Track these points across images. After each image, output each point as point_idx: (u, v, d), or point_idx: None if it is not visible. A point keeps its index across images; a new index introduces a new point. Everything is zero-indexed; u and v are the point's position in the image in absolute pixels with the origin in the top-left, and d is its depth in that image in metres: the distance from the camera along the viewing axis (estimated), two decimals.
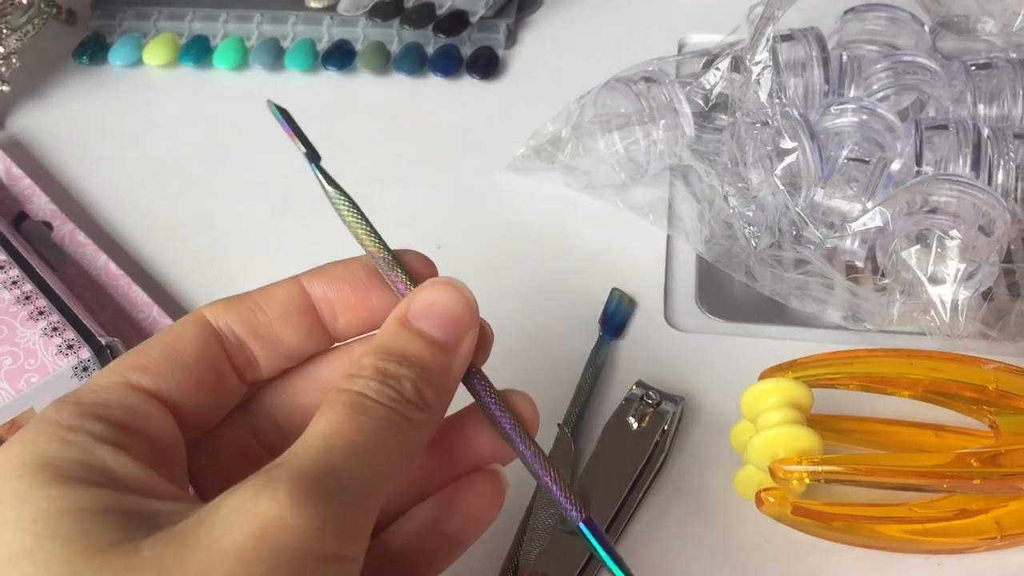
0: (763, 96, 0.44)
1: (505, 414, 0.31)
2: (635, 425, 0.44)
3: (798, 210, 0.43)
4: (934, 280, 0.42)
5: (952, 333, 0.42)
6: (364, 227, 0.31)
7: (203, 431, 0.30)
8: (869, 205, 0.47)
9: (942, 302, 0.42)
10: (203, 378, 0.29)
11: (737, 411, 0.43)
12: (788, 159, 0.44)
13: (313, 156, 0.31)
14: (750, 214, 0.46)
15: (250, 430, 0.32)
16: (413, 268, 0.31)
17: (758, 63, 0.45)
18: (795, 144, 0.44)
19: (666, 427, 0.44)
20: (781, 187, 0.43)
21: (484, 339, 0.31)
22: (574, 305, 0.51)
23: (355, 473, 0.25)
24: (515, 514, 0.43)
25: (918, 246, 0.42)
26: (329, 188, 0.31)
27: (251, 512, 0.23)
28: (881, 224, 0.42)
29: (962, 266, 0.41)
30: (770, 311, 0.51)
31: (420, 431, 0.28)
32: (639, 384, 0.45)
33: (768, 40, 0.45)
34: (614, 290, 0.50)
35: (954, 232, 0.42)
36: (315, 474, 0.25)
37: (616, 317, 0.50)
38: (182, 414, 0.29)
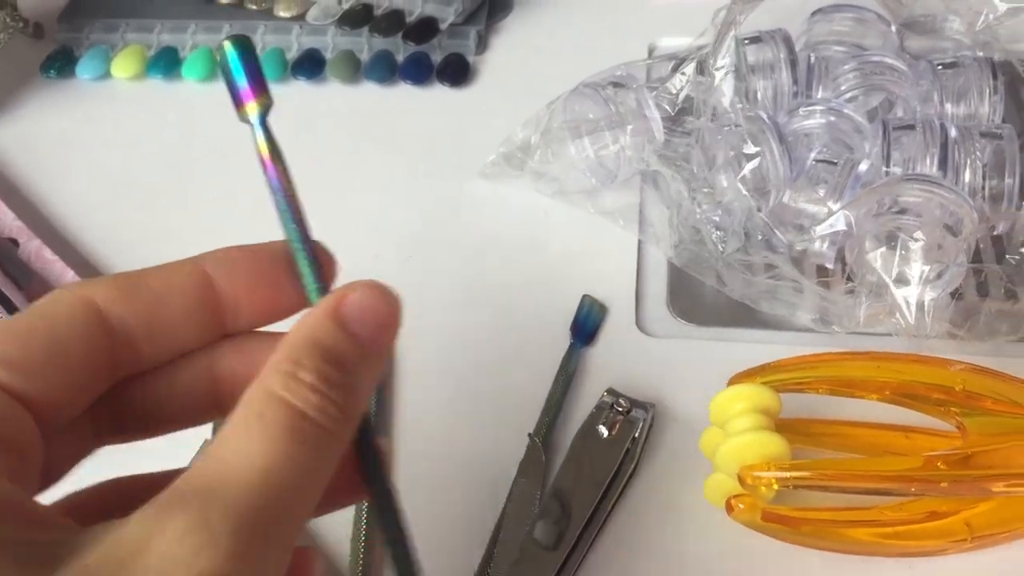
0: (727, 100, 0.44)
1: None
2: (605, 433, 0.44)
3: (763, 216, 0.43)
4: (899, 281, 0.42)
5: (918, 334, 0.42)
6: (293, 210, 0.29)
7: (54, 430, 0.26)
8: (837, 207, 0.47)
9: (907, 303, 0.42)
10: (77, 376, 0.26)
11: (706, 417, 0.43)
12: (751, 164, 0.44)
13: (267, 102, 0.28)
14: (717, 219, 0.46)
15: (106, 415, 0.28)
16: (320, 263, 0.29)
17: (720, 67, 0.45)
18: (758, 148, 0.44)
19: (636, 435, 0.44)
20: (745, 192, 0.43)
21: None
22: (545, 312, 0.51)
23: (291, 514, 0.23)
24: (485, 528, 0.43)
25: (883, 248, 0.42)
26: (266, 146, 0.28)
27: (188, 566, 0.21)
28: (846, 227, 0.42)
29: (927, 267, 0.41)
30: (741, 315, 0.51)
31: (342, 439, 0.25)
32: (609, 392, 0.45)
33: (730, 44, 0.45)
34: (585, 297, 0.50)
35: (918, 234, 0.42)
36: (254, 520, 0.22)
37: (587, 324, 0.50)
38: (42, 414, 0.25)
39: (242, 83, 0.27)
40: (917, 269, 0.42)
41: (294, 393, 0.24)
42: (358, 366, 0.26)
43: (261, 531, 0.22)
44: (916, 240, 0.41)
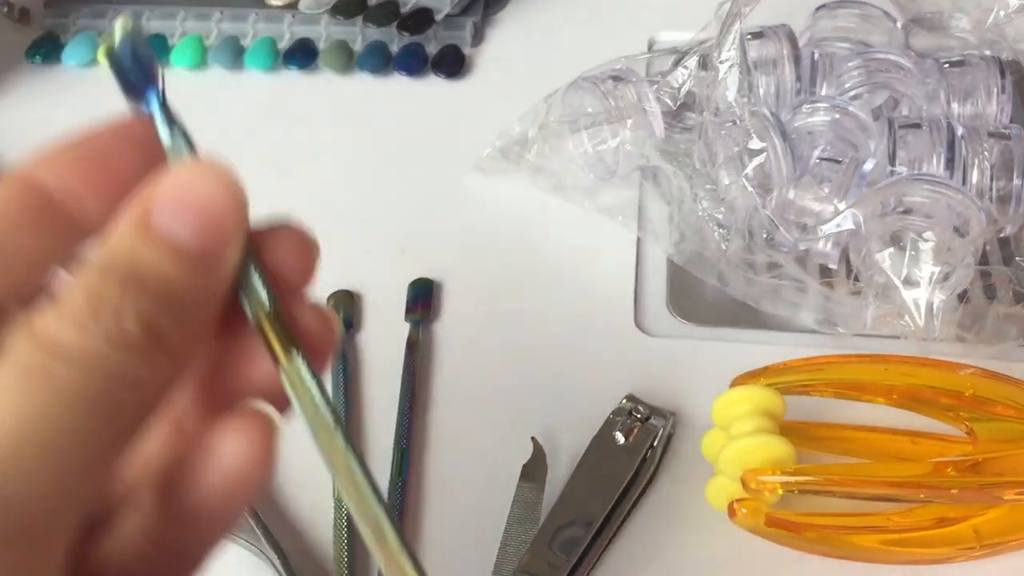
0: (731, 95, 0.43)
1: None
2: (622, 440, 0.42)
3: (768, 213, 0.42)
4: (908, 283, 0.41)
5: (927, 337, 0.41)
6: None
7: None
8: (842, 206, 0.46)
9: (916, 305, 0.41)
10: None
11: (708, 418, 0.42)
12: (757, 159, 0.43)
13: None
14: (720, 216, 0.45)
15: None
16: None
17: (725, 61, 0.44)
18: (764, 144, 0.43)
19: (654, 443, 0.42)
20: (750, 188, 0.42)
21: (303, 245, 0.23)
22: (540, 310, 0.50)
23: (25, 495, 0.18)
24: (496, 530, 0.41)
25: (891, 249, 0.41)
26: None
27: None
28: (853, 227, 0.41)
29: (937, 268, 0.40)
30: (742, 315, 0.50)
31: (147, 389, 0.19)
32: (629, 398, 0.44)
33: (735, 37, 0.43)
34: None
35: (928, 234, 0.41)
36: None
37: None
38: None
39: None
40: (927, 270, 0.40)
41: (44, 321, 0.19)
42: (169, 277, 0.20)
43: None
44: (926, 240, 0.40)
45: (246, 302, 0.22)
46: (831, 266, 0.48)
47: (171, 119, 0.23)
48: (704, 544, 0.41)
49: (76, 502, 0.19)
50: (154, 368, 0.19)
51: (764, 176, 0.47)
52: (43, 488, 0.18)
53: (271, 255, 0.22)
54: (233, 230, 0.21)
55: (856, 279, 0.46)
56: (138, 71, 0.23)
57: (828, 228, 0.42)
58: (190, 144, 0.23)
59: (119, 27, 0.23)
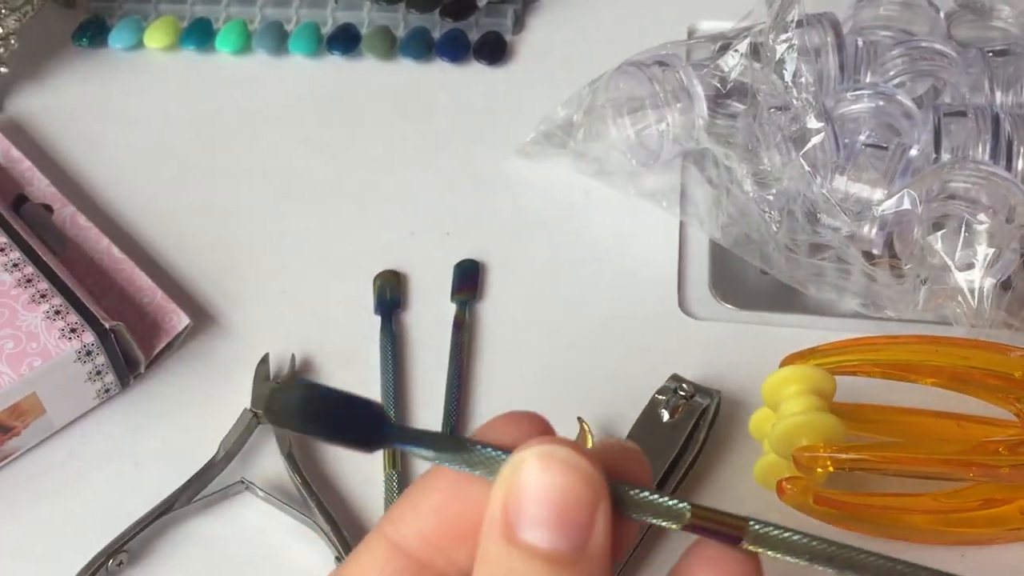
0: (788, 76, 0.44)
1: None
2: (667, 417, 0.43)
3: (824, 191, 0.42)
4: (961, 266, 0.41)
5: (978, 322, 0.41)
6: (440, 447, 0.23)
7: None
8: (887, 192, 0.46)
9: (969, 288, 0.41)
10: None
11: (754, 399, 0.42)
12: (815, 139, 0.43)
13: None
14: (770, 198, 0.45)
15: None
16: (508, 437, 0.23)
17: (784, 41, 0.44)
18: (822, 124, 0.43)
19: (700, 420, 0.43)
20: (807, 168, 0.42)
21: (638, 459, 0.24)
22: (584, 292, 0.50)
23: None
24: None
25: (945, 230, 0.41)
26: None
27: None
28: (909, 206, 0.41)
29: (990, 251, 0.41)
30: (785, 299, 0.50)
31: None
32: (673, 377, 0.44)
33: (794, 19, 0.44)
34: None
35: (982, 216, 0.41)
36: None
37: None
38: None
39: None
40: (981, 253, 0.41)
41: None
42: None
43: None
44: (981, 223, 0.41)
45: (664, 523, 0.23)
46: (875, 251, 0.48)
47: (432, 435, 0.22)
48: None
49: None
50: None
51: (812, 161, 0.47)
52: None
53: (623, 475, 0.23)
54: (594, 509, 0.21)
55: (897, 266, 0.47)
56: (355, 427, 0.22)
57: (885, 207, 0.42)
58: (483, 451, 0.22)
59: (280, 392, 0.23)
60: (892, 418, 0.43)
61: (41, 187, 0.53)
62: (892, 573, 0.23)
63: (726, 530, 0.23)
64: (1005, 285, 0.46)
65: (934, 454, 0.37)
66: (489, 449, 0.22)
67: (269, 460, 0.44)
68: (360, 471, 0.44)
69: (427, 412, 0.46)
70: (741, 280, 0.51)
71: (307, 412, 0.22)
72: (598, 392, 0.46)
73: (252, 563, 0.41)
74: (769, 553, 0.23)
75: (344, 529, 0.40)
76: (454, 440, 0.23)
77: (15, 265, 0.46)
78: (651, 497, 0.23)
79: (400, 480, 0.43)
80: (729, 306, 0.50)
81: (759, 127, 0.45)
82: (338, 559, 0.40)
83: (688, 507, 0.23)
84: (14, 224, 0.48)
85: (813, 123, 0.43)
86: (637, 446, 0.24)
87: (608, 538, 0.22)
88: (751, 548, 0.23)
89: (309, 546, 0.41)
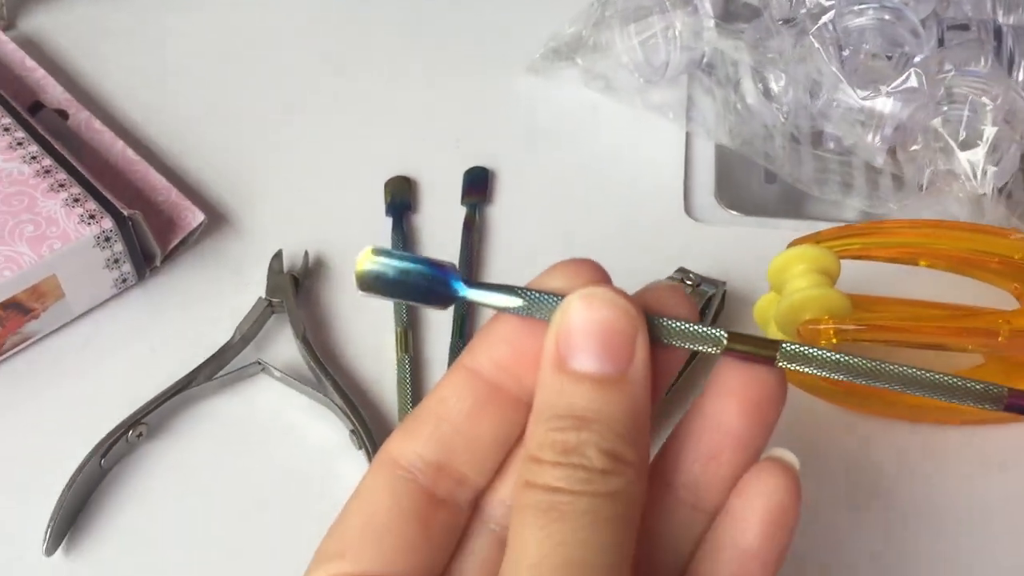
0: None
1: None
2: None
3: (834, 69, 0.43)
4: (964, 146, 0.42)
5: (982, 191, 0.42)
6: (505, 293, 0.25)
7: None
8: (891, 100, 0.47)
9: (972, 165, 0.42)
10: (407, 533, 0.25)
11: (758, 293, 0.43)
12: (825, 16, 0.44)
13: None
14: (777, 89, 0.46)
15: (495, 541, 0.27)
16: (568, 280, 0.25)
17: None
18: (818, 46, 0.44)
19: (707, 309, 0.43)
20: (817, 45, 0.43)
21: (674, 292, 0.26)
22: (592, 199, 0.51)
23: None
24: None
25: (947, 108, 0.42)
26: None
27: None
28: (916, 85, 0.42)
29: (994, 129, 0.42)
30: (788, 207, 0.51)
31: (630, 500, 0.23)
32: (680, 269, 0.45)
33: None
34: None
35: (986, 99, 0.42)
36: None
37: None
38: None
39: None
40: (986, 133, 0.42)
41: (535, 474, 0.23)
42: (601, 408, 0.23)
43: None
44: (985, 104, 0.42)
45: (703, 348, 0.25)
46: (878, 162, 0.49)
47: (500, 287, 0.25)
48: None
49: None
50: (625, 479, 0.23)
51: (816, 73, 0.48)
52: None
53: (661, 311, 0.25)
54: (632, 339, 0.24)
55: (901, 174, 0.48)
56: (427, 283, 0.25)
57: (895, 85, 0.43)
58: (539, 296, 0.25)
59: (364, 264, 0.25)
60: (896, 309, 0.44)
61: (56, 94, 0.54)
62: (915, 380, 0.25)
63: (761, 351, 0.25)
64: (1002, 191, 0.47)
65: (938, 323, 0.38)
66: (545, 295, 0.25)
67: (284, 346, 0.45)
68: (372, 353, 0.45)
69: None
70: (745, 189, 0.52)
71: (392, 280, 0.25)
72: None
73: (268, 439, 0.42)
74: (802, 369, 0.25)
75: (358, 404, 0.41)
76: (516, 290, 0.25)
77: (33, 157, 0.46)
78: (689, 326, 0.25)
79: (412, 364, 0.44)
80: (734, 212, 0.51)
81: (770, 17, 0.46)
82: (353, 432, 0.41)
83: (724, 333, 0.25)
84: (31, 121, 0.49)
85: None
86: (680, 287, 0.26)
87: (647, 364, 0.24)
88: (785, 365, 0.25)
89: (323, 422, 0.42)
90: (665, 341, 0.25)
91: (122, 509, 0.40)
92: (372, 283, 0.25)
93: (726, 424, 0.26)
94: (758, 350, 0.25)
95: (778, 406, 0.26)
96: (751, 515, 0.25)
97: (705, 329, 0.25)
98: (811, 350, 0.25)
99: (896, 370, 0.25)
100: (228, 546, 0.40)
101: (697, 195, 0.52)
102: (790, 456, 0.26)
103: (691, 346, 0.25)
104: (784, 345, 0.25)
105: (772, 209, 0.51)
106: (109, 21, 0.60)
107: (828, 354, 0.25)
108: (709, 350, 0.25)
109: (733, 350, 0.25)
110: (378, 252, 0.25)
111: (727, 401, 0.26)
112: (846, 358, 0.25)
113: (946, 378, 0.25)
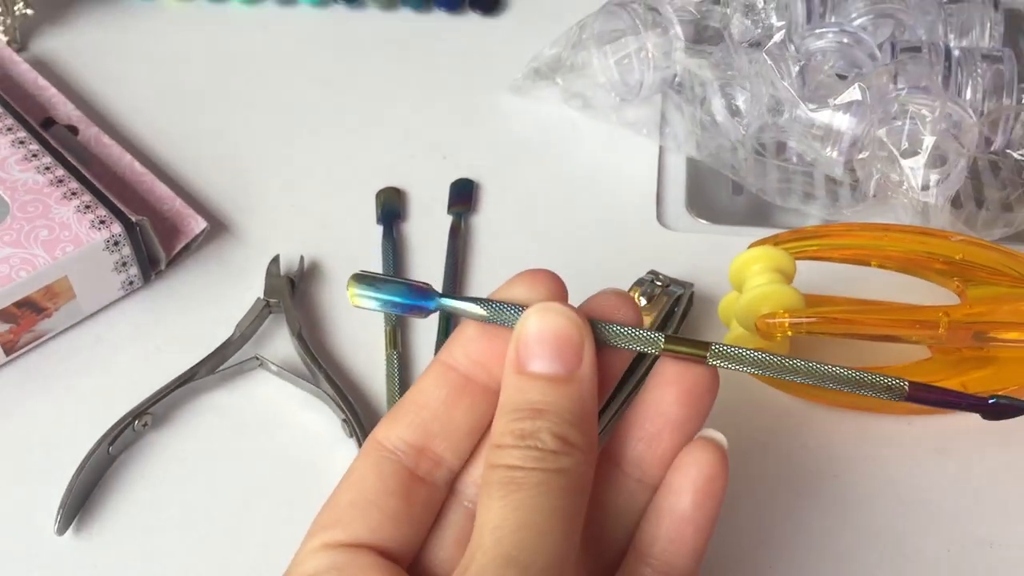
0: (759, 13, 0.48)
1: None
2: (644, 303, 0.47)
3: (785, 84, 0.47)
4: (906, 154, 0.45)
5: (923, 206, 0.45)
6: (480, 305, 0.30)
7: (418, 548, 0.30)
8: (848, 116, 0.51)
9: (913, 171, 0.45)
10: (392, 506, 0.29)
11: (723, 295, 0.46)
12: (777, 36, 0.47)
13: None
14: (741, 106, 0.49)
15: (468, 516, 0.31)
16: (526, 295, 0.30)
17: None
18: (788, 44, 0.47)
19: (675, 308, 0.47)
20: (770, 62, 0.47)
21: (618, 297, 0.31)
22: (570, 209, 0.55)
23: (532, 552, 0.26)
24: None
25: (893, 122, 0.45)
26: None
27: None
28: (860, 98, 0.46)
29: (933, 138, 0.45)
30: (755, 217, 0.55)
31: (577, 475, 0.28)
32: (651, 272, 0.48)
33: None
34: None
35: (925, 111, 0.45)
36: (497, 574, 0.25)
37: None
38: (389, 548, 0.29)
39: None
40: (926, 142, 0.45)
41: (499, 456, 0.28)
42: (553, 401, 0.28)
43: None
44: (925, 116, 0.45)
45: (644, 349, 0.30)
46: (837, 174, 0.53)
47: (469, 299, 0.30)
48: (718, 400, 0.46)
49: (572, 545, 0.27)
50: (573, 459, 0.28)
51: (772, 88, 0.52)
52: (549, 546, 0.27)
53: (610, 316, 0.30)
54: (580, 345, 0.29)
55: (858, 184, 0.51)
56: (408, 296, 0.31)
57: (841, 99, 0.46)
58: (501, 306, 0.30)
59: (353, 292, 0.31)
60: (847, 306, 0.47)
61: (66, 111, 0.57)
62: (826, 375, 0.28)
63: (694, 351, 0.30)
64: (954, 203, 0.50)
65: (883, 316, 0.41)
66: (505, 305, 0.30)
67: (280, 343, 0.48)
68: (363, 350, 0.48)
69: None
70: (714, 199, 0.55)
71: (378, 300, 0.31)
72: (581, 288, 0.49)
73: (266, 428, 0.45)
74: (729, 366, 0.29)
75: (349, 396, 0.44)
76: (481, 301, 0.30)
77: (47, 168, 0.50)
78: (631, 331, 0.30)
79: (400, 359, 0.47)
80: (703, 221, 0.54)
81: (729, 38, 0.49)
82: (345, 421, 0.44)
83: (662, 336, 0.30)
84: (45, 135, 0.52)
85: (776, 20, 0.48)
86: (629, 294, 0.31)
87: (593, 365, 0.29)
88: (715, 363, 0.30)
89: (317, 413, 0.45)
90: (611, 343, 0.30)
91: (129, 493, 0.43)
92: (361, 302, 0.31)
93: (665, 410, 0.30)
94: (692, 350, 0.30)
95: (711, 395, 0.31)
96: (685, 485, 0.30)
97: (645, 332, 0.30)
98: (737, 350, 0.29)
99: (809, 367, 0.29)
100: (227, 526, 0.42)
101: (669, 205, 0.55)
102: (719, 436, 0.31)
103: (633, 347, 0.30)
104: (714, 345, 0.29)
105: (739, 218, 0.55)
106: (116, 44, 0.64)
107: (752, 353, 0.29)
108: (649, 351, 0.30)
109: (670, 350, 0.30)
110: (363, 278, 0.31)
111: (666, 390, 0.30)
112: (767, 356, 0.29)
113: (854, 373, 0.29)
